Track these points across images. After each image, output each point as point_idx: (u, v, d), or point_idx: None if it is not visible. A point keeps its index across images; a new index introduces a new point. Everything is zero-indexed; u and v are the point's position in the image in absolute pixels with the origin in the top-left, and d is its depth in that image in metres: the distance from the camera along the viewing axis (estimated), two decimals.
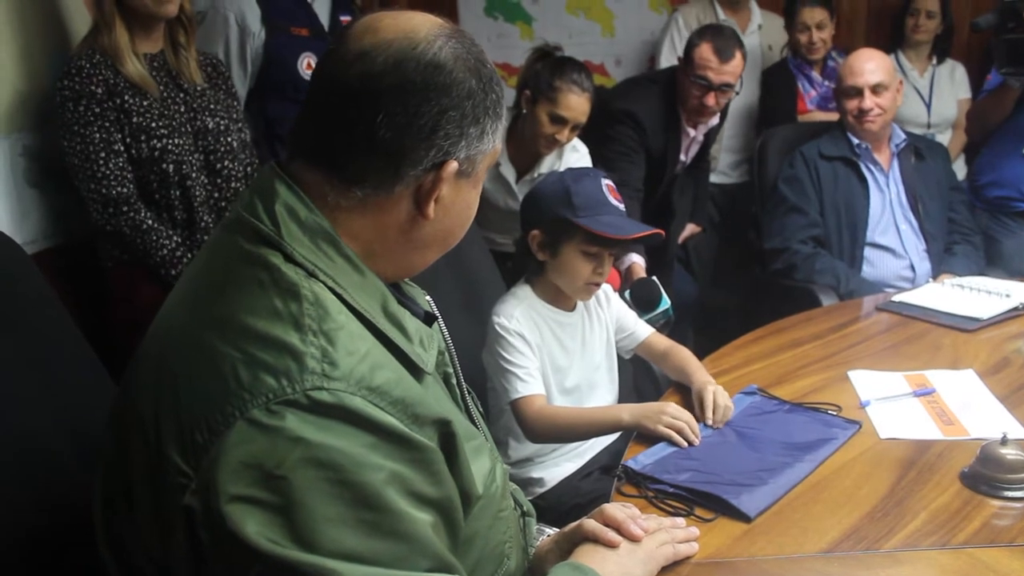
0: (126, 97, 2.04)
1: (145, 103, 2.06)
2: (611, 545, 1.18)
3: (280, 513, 0.83)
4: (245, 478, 0.83)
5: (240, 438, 0.84)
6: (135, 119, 2.05)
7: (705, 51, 2.83)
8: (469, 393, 1.23)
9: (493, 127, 1.01)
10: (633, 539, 1.20)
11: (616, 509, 1.23)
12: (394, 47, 0.94)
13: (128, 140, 2.05)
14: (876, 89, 2.77)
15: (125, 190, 2.04)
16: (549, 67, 2.54)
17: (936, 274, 2.71)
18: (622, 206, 1.80)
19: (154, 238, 2.07)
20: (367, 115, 0.93)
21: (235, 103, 2.31)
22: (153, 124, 2.07)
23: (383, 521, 0.87)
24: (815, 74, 3.69)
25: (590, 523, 1.22)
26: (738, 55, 2.85)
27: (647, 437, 1.59)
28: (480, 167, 1.03)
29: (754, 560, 1.23)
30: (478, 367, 1.86)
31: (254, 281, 0.92)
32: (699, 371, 1.77)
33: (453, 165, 0.98)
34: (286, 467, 0.83)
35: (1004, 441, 1.38)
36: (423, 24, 0.97)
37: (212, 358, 0.88)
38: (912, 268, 2.79)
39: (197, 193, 2.14)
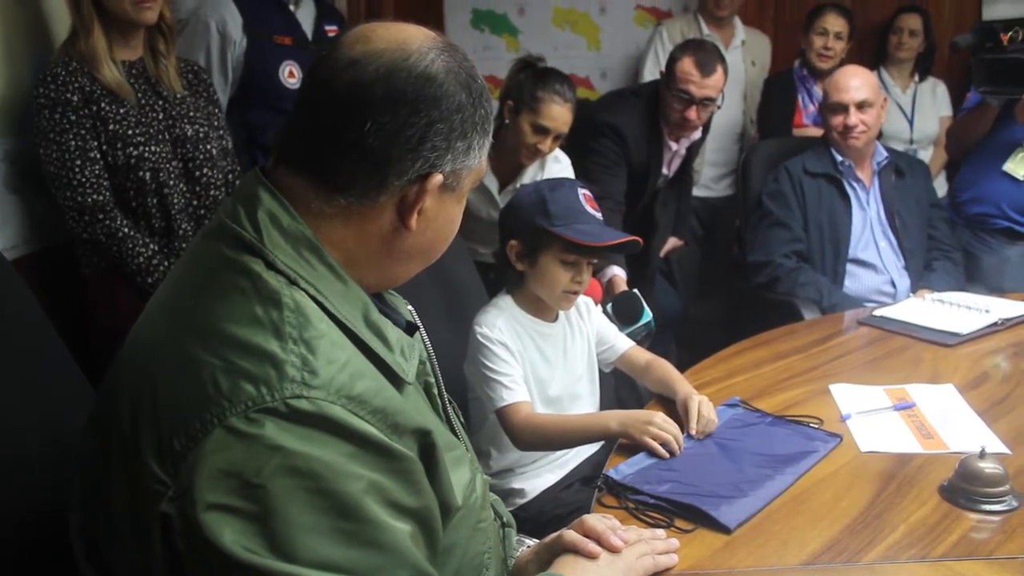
0: (103, 104, 2.02)
1: (122, 110, 2.05)
2: (591, 556, 1.18)
3: (257, 522, 0.83)
4: (223, 486, 0.82)
5: (218, 446, 0.83)
6: (111, 126, 2.03)
7: (687, 65, 2.84)
8: (451, 403, 1.23)
9: (480, 143, 1.01)
10: (613, 550, 1.20)
11: (596, 520, 1.23)
12: (386, 57, 0.94)
13: (104, 147, 2.03)
14: (861, 106, 2.78)
15: (101, 198, 2.02)
16: (532, 77, 2.55)
17: (915, 289, 2.73)
18: (599, 215, 1.80)
19: (130, 246, 2.05)
20: (356, 123, 0.93)
21: (216, 110, 2.30)
22: (130, 131, 2.05)
23: (361, 531, 0.87)
24: (817, 89, 3.58)
25: (570, 534, 1.22)
26: (719, 69, 2.86)
27: (628, 447, 1.59)
28: (465, 182, 1.03)
29: (733, 572, 1.23)
30: (461, 377, 1.85)
31: (235, 288, 0.92)
32: (682, 382, 1.78)
33: (438, 178, 0.97)
34: (264, 475, 0.83)
35: (982, 455, 1.40)
36: (416, 36, 0.98)
37: (192, 365, 0.87)
38: (892, 284, 2.80)
39: (175, 201, 2.13)
